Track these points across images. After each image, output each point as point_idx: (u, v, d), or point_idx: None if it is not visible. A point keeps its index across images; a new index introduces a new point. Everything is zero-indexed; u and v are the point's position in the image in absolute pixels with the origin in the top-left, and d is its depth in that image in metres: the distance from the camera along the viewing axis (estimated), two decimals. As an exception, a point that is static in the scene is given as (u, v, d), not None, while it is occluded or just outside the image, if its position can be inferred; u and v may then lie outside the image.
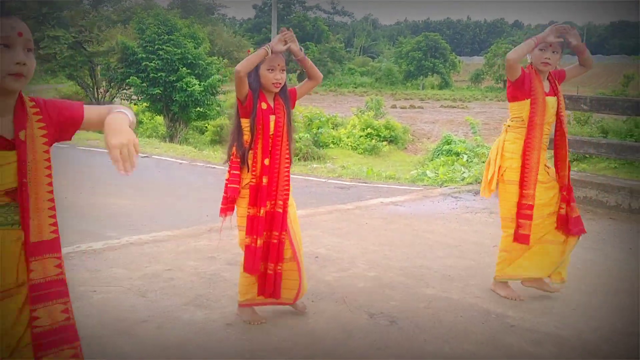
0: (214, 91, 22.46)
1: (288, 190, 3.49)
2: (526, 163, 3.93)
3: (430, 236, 5.59)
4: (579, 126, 17.54)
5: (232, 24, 76.09)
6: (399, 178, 10.65)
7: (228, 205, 3.49)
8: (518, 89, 3.95)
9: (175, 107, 21.79)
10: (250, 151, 3.40)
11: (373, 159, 20.18)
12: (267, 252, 3.47)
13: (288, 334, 3.48)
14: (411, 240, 5.47)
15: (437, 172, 10.75)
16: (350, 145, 21.57)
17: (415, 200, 7.26)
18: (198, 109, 22.17)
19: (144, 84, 21.63)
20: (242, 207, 3.46)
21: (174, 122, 22.45)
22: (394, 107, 38.52)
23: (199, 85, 21.58)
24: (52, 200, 1.85)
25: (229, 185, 3.45)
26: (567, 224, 4.03)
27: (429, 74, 62.55)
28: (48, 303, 1.83)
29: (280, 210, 3.45)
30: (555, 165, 4.09)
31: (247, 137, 3.41)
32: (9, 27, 1.76)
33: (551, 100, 3.97)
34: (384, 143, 22.37)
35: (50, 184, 1.85)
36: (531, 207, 3.94)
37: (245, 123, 3.41)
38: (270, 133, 3.39)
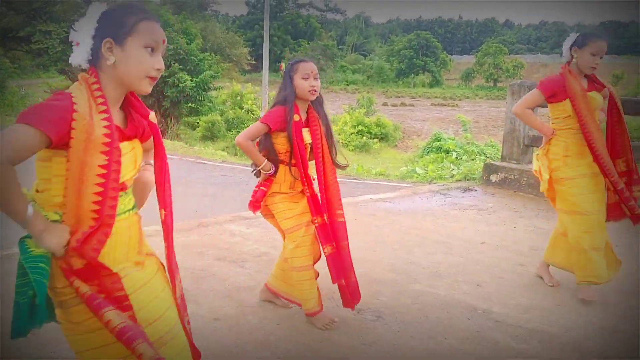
0: (206, 87, 22.45)
1: (340, 198, 3.51)
2: (596, 154, 3.91)
3: (419, 232, 5.62)
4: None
5: (225, 21, 75.88)
6: (389, 175, 10.68)
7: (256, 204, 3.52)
8: (555, 97, 3.97)
9: (167, 103, 21.75)
10: (294, 165, 3.42)
11: (364, 156, 20.23)
12: (341, 262, 3.48)
13: (274, 328, 3.49)
14: (400, 236, 5.49)
15: (426, 169, 10.79)
16: (342, 142, 21.61)
17: (404, 196, 7.29)
18: (190, 104, 22.15)
19: (135, 80, 21.57)
20: (286, 212, 3.48)
21: (166, 117, 22.39)
22: (385, 104, 38.64)
23: (191, 81, 21.56)
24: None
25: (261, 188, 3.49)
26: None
27: (420, 72, 62.68)
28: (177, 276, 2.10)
29: (343, 220, 3.49)
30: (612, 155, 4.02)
31: (280, 147, 3.42)
32: (160, 32, 1.83)
33: (593, 96, 3.96)
34: (375, 140, 22.46)
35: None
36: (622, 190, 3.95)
37: (278, 136, 3.42)
38: (308, 143, 3.42)
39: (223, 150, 17.32)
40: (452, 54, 75.31)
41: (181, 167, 10.81)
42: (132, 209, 1.96)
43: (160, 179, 1.98)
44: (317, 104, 3.48)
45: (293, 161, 3.41)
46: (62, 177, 1.71)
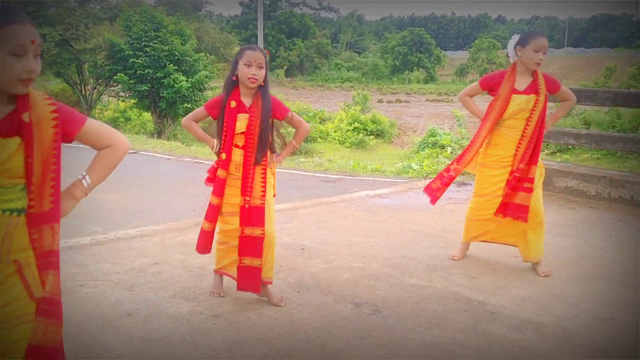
0: (201, 87, 22.42)
1: (264, 187, 3.59)
2: (470, 145, 4.40)
3: (414, 227, 5.67)
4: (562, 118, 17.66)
5: (219, 21, 75.88)
6: (385, 171, 10.71)
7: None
8: (492, 91, 4.35)
9: (163, 104, 21.74)
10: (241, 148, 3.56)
11: (360, 152, 20.28)
12: (246, 246, 3.60)
13: (273, 324, 3.53)
14: (395, 231, 5.53)
15: (422, 164, 10.83)
16: (338, 140, 21.66)
17: (400, 192, 7.33)
18: (185, 105, 22.11)
19: (132, 81, 21.57)
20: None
21: (162, 118, 22.40)
22: (380, 101, 38.69)
23: (186, 81, 21.54)
24: (55, 172, 1.93)
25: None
26: (505, 209, 4.39)
27: (415, 68, 62.75)
28: (49, 272, 1.97)
29: (249, 206, 3.58)
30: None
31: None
32: (24, 36, 1.81)
33: (519, 99, 4.20)
34: (371, 137, 22.52)
35: (54, 162, 1.93)
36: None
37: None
38: (240, 131, 3.51)
39: (219, 150, 17.29)
40: (445, 50, 75.41)
41: (178, 167, 10.85)
42: (11, 210, 1.90)
43: (25, 176, 1.92)
44: (263, 92, 3.55)
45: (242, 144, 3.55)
46: None
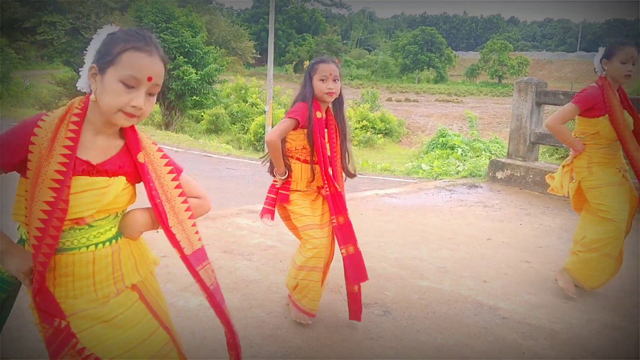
0: (211, 80, 22.43)
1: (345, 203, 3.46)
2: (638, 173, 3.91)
3: (425, 228, 5.62)
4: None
5: (229, 14, 75.92)
6: (394, 170, 10.67)
7: (270, 209, 3.49)
8: (590, 111, 3.90)
9: (172, 96, 21.75)
10: (315, 164, 3.38)
11: (368, 151, 20.24)
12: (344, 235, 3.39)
13: (282, 322, 3.50)
14: (405, 232, 5.49)
15: (432, 165, 10.79)
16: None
17: (410, 192, 7.29)
18: (194, 97, 22.14)
19: (140, 72, 21.56)
20: (301, 217, 3.43)
21: (170, 110, 22.40)
22: (389, 100, 38.65)
23: (196, 74, 21.54)
24: (189, 210, 1.88)
25: (280, 191, 3.44)
26: None
27: (425, 67, 62.66)
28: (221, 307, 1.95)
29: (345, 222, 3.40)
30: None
31: (297, 144, 3.39)
32: (145, 69, 1.65)
33: (627, 115, 3.91)
34: (379, 135, 22.48)
35: (184, 201, 1.88)
36: None
37: (297, 132, 3.37)
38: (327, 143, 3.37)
39: (227, 143, 17.32)
40: (457, 50, 75.24)
41: (186, 160, 10.82)
42: (110, 239, 1.82)
43: (159, 219, 1.87)
44: (336, 106, 3.44)
45: (315, 159, 3.37)
46: (24, 198, 1.66)
